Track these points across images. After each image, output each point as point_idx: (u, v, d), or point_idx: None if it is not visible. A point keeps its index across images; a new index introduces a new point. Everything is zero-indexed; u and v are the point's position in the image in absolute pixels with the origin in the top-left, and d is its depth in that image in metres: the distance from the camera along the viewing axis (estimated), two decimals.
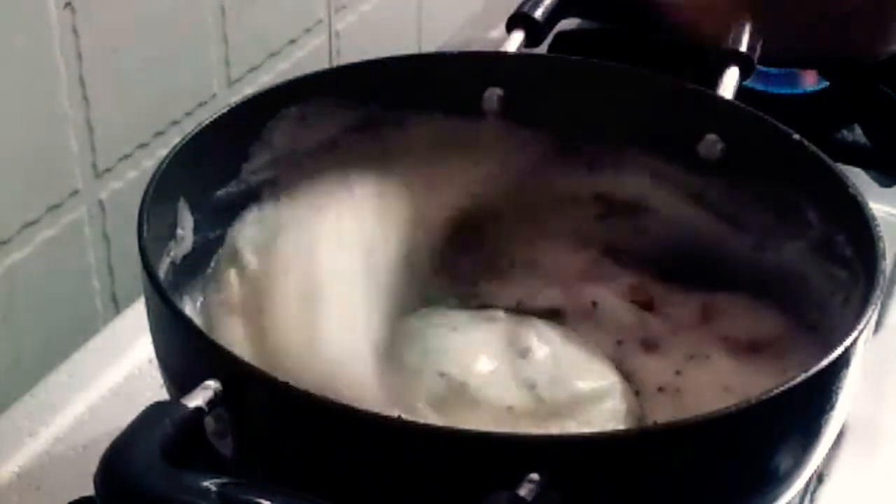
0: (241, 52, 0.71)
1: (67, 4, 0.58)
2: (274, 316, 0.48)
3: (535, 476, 0.34)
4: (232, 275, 0.50)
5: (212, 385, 0.37)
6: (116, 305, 0.66)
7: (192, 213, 0.50)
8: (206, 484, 0.33)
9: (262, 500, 0.33)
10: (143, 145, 0.65)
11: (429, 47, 0.88)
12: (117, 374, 0.58)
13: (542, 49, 0.67)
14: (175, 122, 0.67)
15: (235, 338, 0.47)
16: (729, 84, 0.56)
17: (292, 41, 0.75)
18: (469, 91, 0.57)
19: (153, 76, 0.65)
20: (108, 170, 0.63)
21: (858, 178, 0.70)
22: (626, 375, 0.52)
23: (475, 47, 0.61)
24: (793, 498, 0.44)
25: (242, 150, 0.53)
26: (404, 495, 0.36)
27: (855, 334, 0.41)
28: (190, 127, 0.50)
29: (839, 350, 0.40)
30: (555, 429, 0.47)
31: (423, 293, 0.55)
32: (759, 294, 0.53)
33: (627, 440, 0.37)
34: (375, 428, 0.36)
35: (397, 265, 0.53)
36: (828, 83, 0.80)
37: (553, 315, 0.55)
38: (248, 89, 0.70)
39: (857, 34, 0.71)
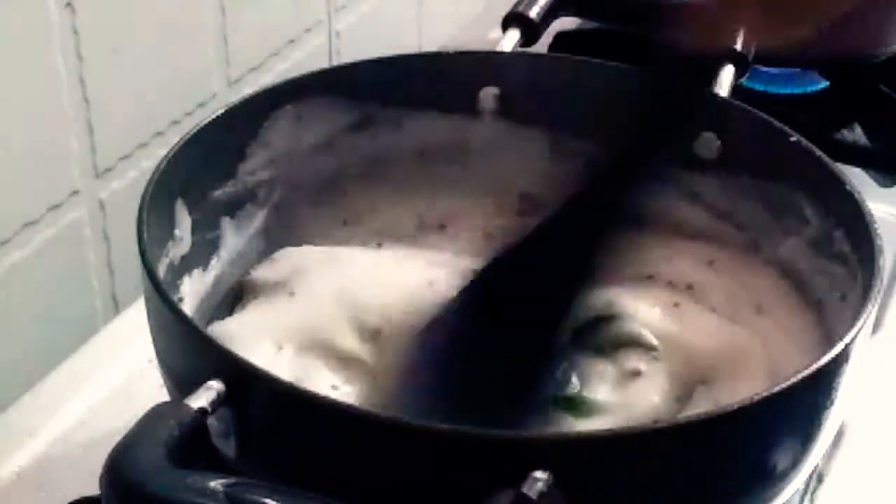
0: (241, 52, 0.71)
1: (67, 4, 0.58)
2: None
3: (539, 474, 0.34)
4: None
5: (214, 385, 0.37)
6: (116, 305, 0.66)
7: (190, 214, 0.50)
8: (213, 484, 0.33)
9: (268, 501, 0.33)
10: (143, 145, 0.65)
11: (429, 47, 0.88)
12: (117, 374, 0.58)
13: (543, 49, 0.67)
14: (175, 122, 0.67)
15: None
16: (725, 82, 0.56)
17: (292, 41, 0.75)
18: (465, 90, 0.57)
19: (153, 76, 0.65)
20: (108, 170, 0.63)
21: (858, 178, 0.70)
22: None
23: (475, 47, 0.61)
24: (792, 497, 0.44)
25: (240, 151, 0.53)
26: (408, 494, 0.36)
27: (854, 331, 0.41)
28: (190, 127, 0.50)
29: (838, 347, 0.40)
30: None
31: None
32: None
33: (630, 438, 0.37)
34: (378, 428, 0.37)
35: None
36: (828, 83, 0.80)
37: None
38: (248, 89, 0.70)
39: (857, 34, 0.71)
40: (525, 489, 0.34)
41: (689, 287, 0.54)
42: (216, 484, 0.33)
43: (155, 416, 0.35)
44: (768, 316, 0.51)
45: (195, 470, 0.34)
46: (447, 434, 0.36)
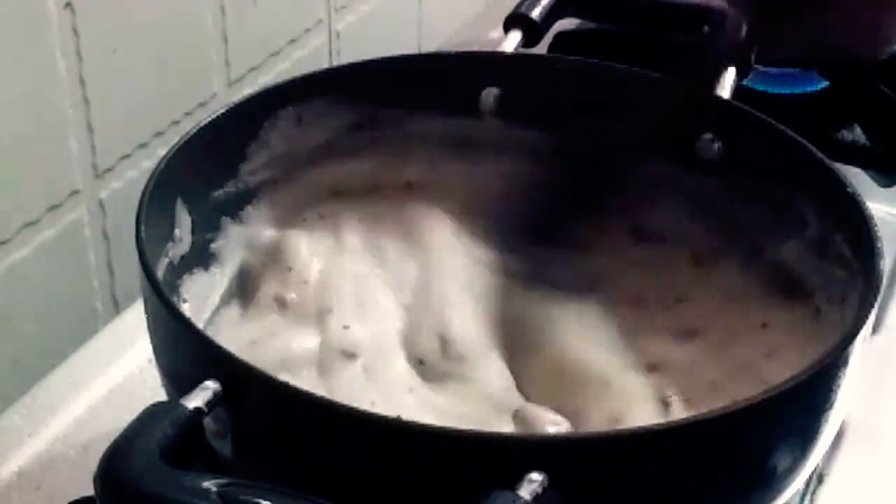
0: (241, 52, 0.71)
1: (67, 4, 0.58)
2: None
3: (535, 476, 0.34)
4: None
5: (211, 385, 0.37)
6: (116, 305, 0.67)
7: (190, 214, 0.50)
8: (206, 484, 0.33)
9: (262, 501, 0.33)
10: (143, 145, 0.65)
11: (429, 47, 0.88)
12: (117, 374, 0.58)
13: (542, 49, 0.67)
14: (175, 122, 0.67)
15: None
16: (726, 84, 0.56)
17: (292, 41, 0.75)
18: (466, 91, 0.57)
19: (153, 76, 0.65)
20: (109, 170, 0.64)
21: (858, 178, 0.70)
22: None
23: (475, 47, 0.61)
24: (793, 498, 0.44)
25: (240, 151, 0.53)
26: (404, 495, 0.36)
27: (853, 334, 0.41)
28: (190, 127, 0.50)
29: (838, 349, 0.40)
30: None
31: None
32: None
33: (627, 440, 0.37)
34: (375, 428, 0.36)
35: None
36: (828, 83, 0.80)
37: None
38: (248, 89, 0.70)
39: (857, 34, 0.71)
40: (520, 491, 0.34)
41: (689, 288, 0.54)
42: (210, 484, 0.33)
43: (150, 415, 0.35)
44: (767, 318, 0.51)
45: (191, 470, 0.34)
46: (444, 435, 0.36)
